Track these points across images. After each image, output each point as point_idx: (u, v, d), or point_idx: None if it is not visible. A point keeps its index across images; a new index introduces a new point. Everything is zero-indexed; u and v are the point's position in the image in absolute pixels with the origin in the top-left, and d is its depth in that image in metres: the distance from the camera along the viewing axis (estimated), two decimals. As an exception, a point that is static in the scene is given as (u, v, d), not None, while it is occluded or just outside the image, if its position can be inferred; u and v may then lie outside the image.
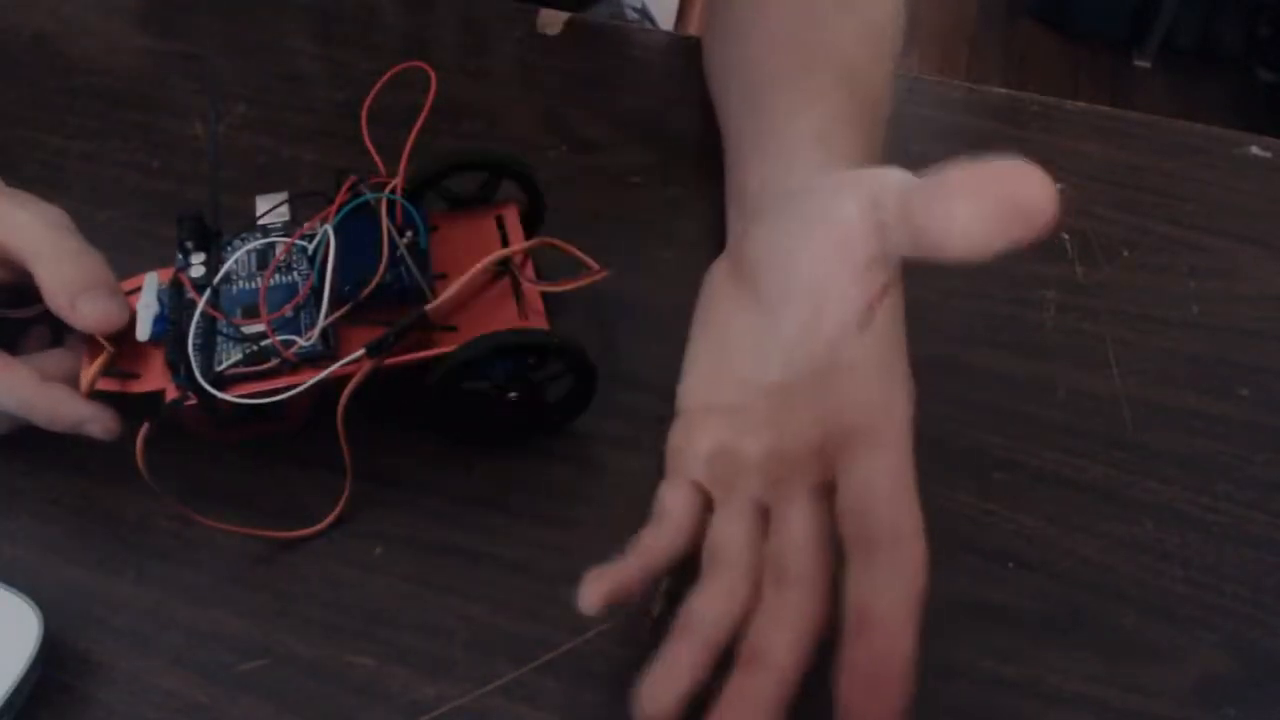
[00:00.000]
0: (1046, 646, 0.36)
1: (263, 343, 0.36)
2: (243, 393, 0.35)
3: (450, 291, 0.37)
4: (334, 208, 0.37)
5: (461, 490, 0.40)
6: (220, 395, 0.35)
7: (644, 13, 0.85)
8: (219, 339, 0.37)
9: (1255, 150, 0.51)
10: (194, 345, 0.36)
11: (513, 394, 0.38)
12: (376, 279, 0.36)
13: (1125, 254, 0.47)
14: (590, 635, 0.36)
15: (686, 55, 0.55)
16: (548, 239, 0.40)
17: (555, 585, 0.37)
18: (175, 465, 0.37)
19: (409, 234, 0.37)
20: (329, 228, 0.36)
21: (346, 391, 0.36)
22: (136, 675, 0.35)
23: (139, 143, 0.51)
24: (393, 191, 0.38)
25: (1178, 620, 0.36)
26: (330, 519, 0.38)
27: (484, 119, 0.52)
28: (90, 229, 0.39)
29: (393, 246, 0.37)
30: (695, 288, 0.42)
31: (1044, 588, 0.37)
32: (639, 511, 0.39)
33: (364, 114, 0.38)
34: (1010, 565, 0.38)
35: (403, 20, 0.58)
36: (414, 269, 0.37)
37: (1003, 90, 0.54)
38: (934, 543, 0.38)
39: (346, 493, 0.38)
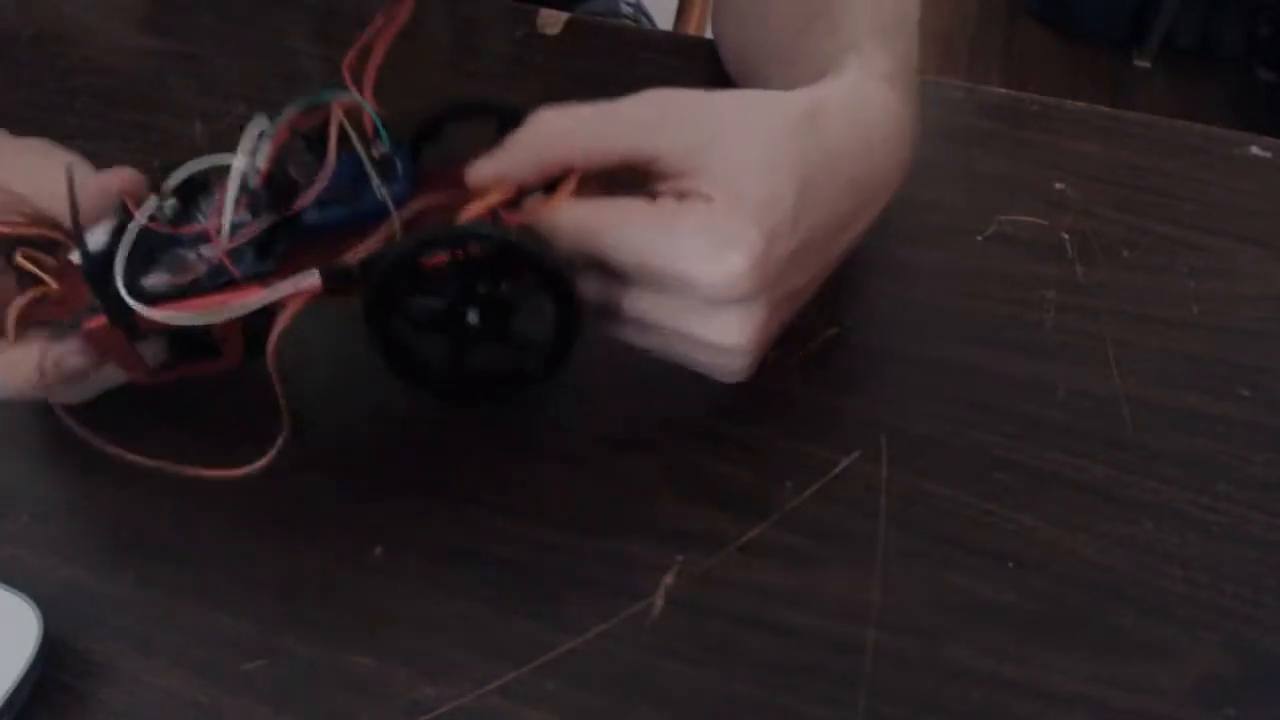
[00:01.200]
0: (1046, 646, 0.36)
1: (200, 248, 0.33)
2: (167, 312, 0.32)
3: (424, 202, 0.33)
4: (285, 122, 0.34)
5: (462, 490, 0.40)
6: (136, 305, 0.32)
7: (638, 8, 0.85)
8: (163, 259, 0.33)
9: (1255, 150, 0.51)
10: (122, 261, 0.32)
11: (471, 315, 0.34)
12: (320, 184, 0.32)
13: (1125, 254, 0.47)
14: (590, 635, 0.36)
15: (686, 55, 0.55)
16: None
17: (555, 585, 0.37)
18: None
19: (380, 148, 0.34)
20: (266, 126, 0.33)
21: (284, 317, 0.32)
22: (136, 675, 0.35)
23: (139, 143, 0.51)
24: (360, 121, 0.34)
25: (1178, 620, 0.36)
26: (263, 462, 0.35)
27: (484, 119, 0.52)
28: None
29: (350, 158, 0.32)
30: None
31: (1044, 588, 0.37)
32: (639, 511, 0.39)
33: (351, 56, 0.35)
34: (1010, 565, 0.38)
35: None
36: (380, 184, 0.33)
37: (1003, 90, 0.54)
38: (934, 543, 0.38)
39: (285, 432, 0.35)
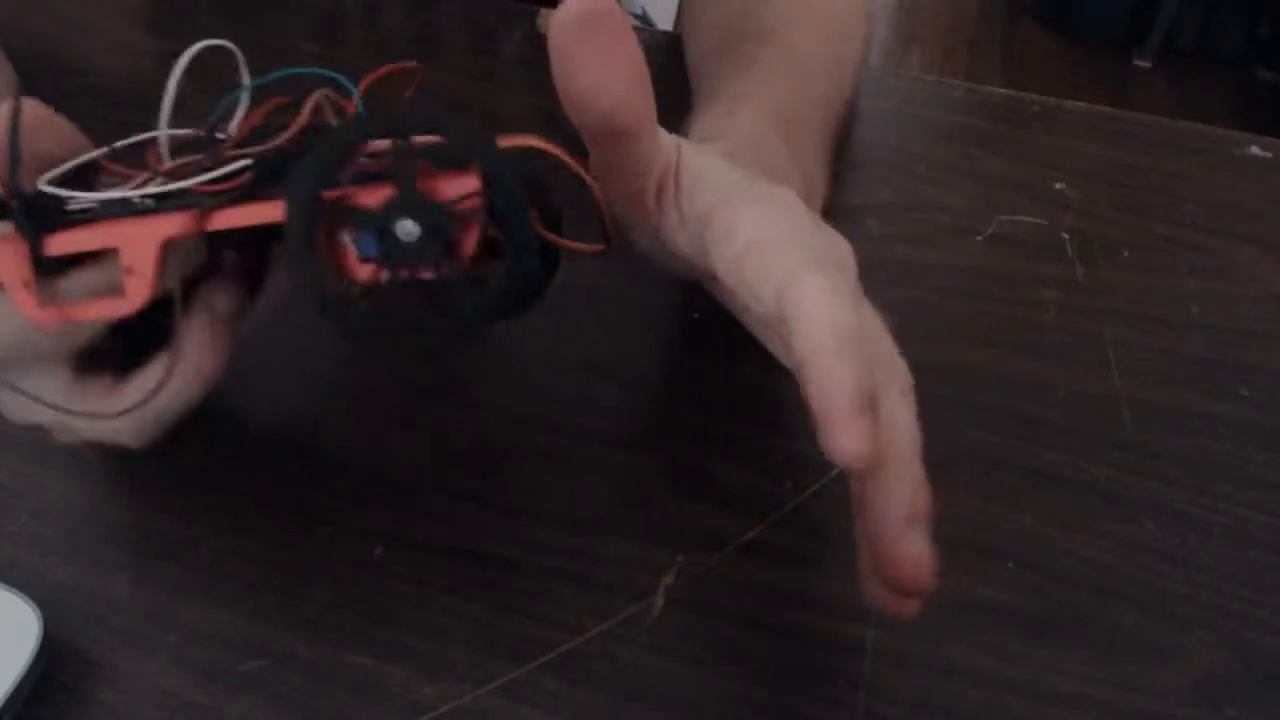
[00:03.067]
0: (1046, 646, 0.36)
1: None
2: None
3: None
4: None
5: (462, 490, 0.40)
6: (51, 190, 0.29)
7: (645, 18, 0.85)
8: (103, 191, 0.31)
9: (1255, 150, 0.51)
10: (60, 171, 0.30)
11: (404, 227, 0.28)
12: (279, 139, 0.30)
13: (1125, 254, 0.47)
14: (590, 635, 0.36)
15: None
16: (539, 142, 0.31)
17: (555, 585, 0.37)
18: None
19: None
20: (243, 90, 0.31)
21: (187, 226, 0.29)
22: (136, 675, 0.35)
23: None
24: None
25: (1178, 620, 0.36)
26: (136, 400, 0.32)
27: (484, 119, 0.52)
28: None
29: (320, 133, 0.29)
30: (694, 288, 0.42)
31: (1044, 588, 0.37)
32: (639, 511, 0.39)
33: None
34: (1010, 565, 0.38)
35: (403, 20, 0.58)
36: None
37: (1003, 90, 0.54)
38: (934, 543, 0.38)
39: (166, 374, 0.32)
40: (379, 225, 0.28)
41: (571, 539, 0.38)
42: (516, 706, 0.35)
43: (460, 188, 0.29)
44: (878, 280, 0.45)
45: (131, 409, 0.33)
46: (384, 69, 0.32)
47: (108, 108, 0.53)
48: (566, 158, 0.31)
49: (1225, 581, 0.37)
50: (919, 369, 0.43)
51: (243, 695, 0.35)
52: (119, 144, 0.32)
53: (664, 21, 0.89)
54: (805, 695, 0.35)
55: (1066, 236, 0.47)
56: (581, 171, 0.31)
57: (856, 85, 0.50)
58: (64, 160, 0.32)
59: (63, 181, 0.31)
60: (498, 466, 0.40)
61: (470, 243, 0.29)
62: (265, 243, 0.35)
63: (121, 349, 0.34)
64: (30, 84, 0.54)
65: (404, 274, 0.29)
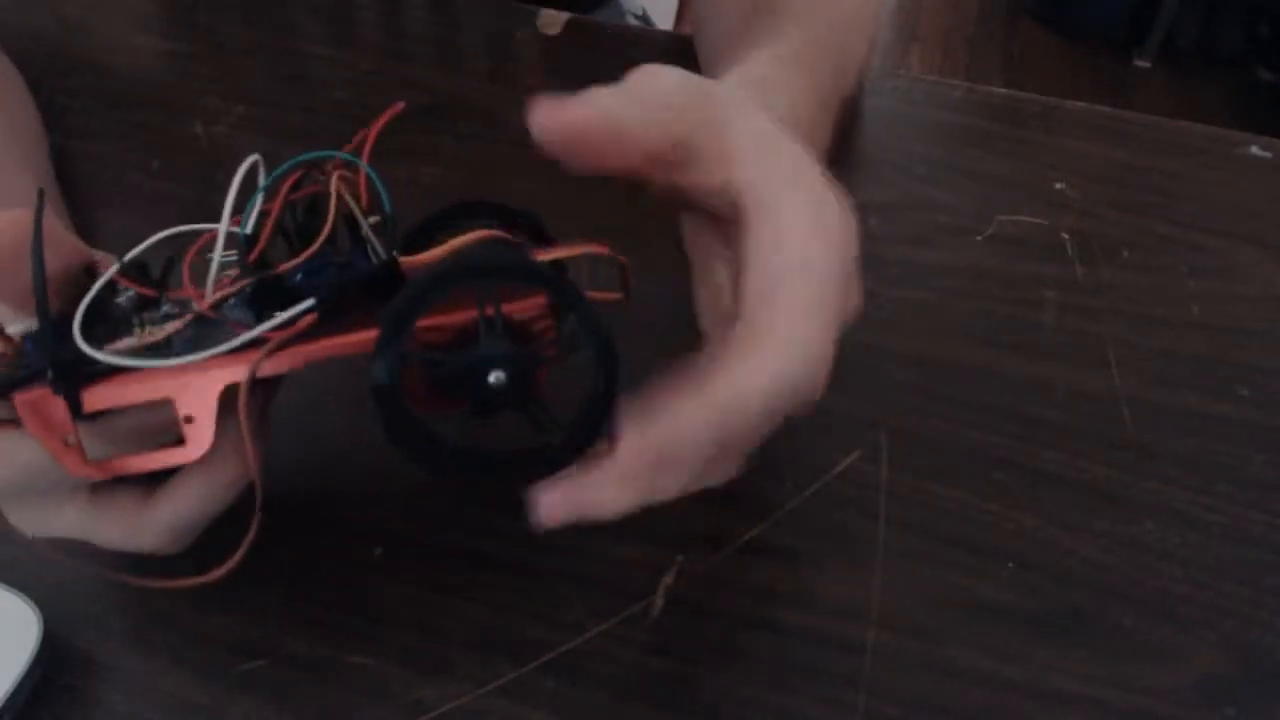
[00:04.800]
0: (1046, 646, 0.36)
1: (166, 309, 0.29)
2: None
3: (435, 253, 0.29)
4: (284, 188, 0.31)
5: (462, 490, 0.40)
6: (89, 351, 0.27)
7: (644, 19, 0.85)
8: (130, 330, 0.29)
9: (1255, 150, 0.51)
10: (83, 310, 0.28)
11: (495, 375, 0.29)
12: (315, 246, 0.29)
13: (1125, 254, 0.47)
14: (590, 635, 0.36)
15: (686, 55, 0.55)
16: (592, 246, 0.32)
17: (555, 585, 0.37)
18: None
19: (375, 217, 0.31)
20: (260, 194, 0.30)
21: (255, 362, 0.28)
22: (136, 675, 0.35)
23: (139, 143, 0.51)
24: (352, 170, 0.31)
25: (1178, 620, 0.36)
26: (237, 556, 0.32)
27: (484, 119, 0.52)
28: (90, 230, 0.39)
29: (344, 227, 0.30)
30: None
31: (1044, 587, 0.37)
32: (639, 512, 0.39)
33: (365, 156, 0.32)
34: (1010, 565, 0.38)
35: (403, 20, 0.58)
36: (380, 249, 0.30)
37: (1003, 90, 0.54)
38: (934, 543, 0.38)
39: (256, 518, 0.31)
40: (467, 371, 0.29)
41: (572, 539, 0.38)
42: (516, 706, 0.35)
43: (535, 315, 0.30)
44: (879, 280, 0.46)
45: (165, 525, 0.33)
46: (373, 127, 0.32)
47: (107, 107, 0.53)
48: (613, 254, 0.34)
49: (1225, 581, 0.37)
50: (919, 368, 0.43)
51: (243, 695, 0.35)
52: (129, 255, 0.30)
53: (664, 21, 0.89)
54: (805, 695, 0.35)
55: (1066, 236, 0.47)
56: (622, 258, 0.34)
57: (861, 83, 0.50)
58: (65, 273, 0.30)
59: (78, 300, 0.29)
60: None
61: (544, 378, 0.30)
62: None
63: None
64: (31, 84, 0.54)
65: (491, 411, 0.29)
